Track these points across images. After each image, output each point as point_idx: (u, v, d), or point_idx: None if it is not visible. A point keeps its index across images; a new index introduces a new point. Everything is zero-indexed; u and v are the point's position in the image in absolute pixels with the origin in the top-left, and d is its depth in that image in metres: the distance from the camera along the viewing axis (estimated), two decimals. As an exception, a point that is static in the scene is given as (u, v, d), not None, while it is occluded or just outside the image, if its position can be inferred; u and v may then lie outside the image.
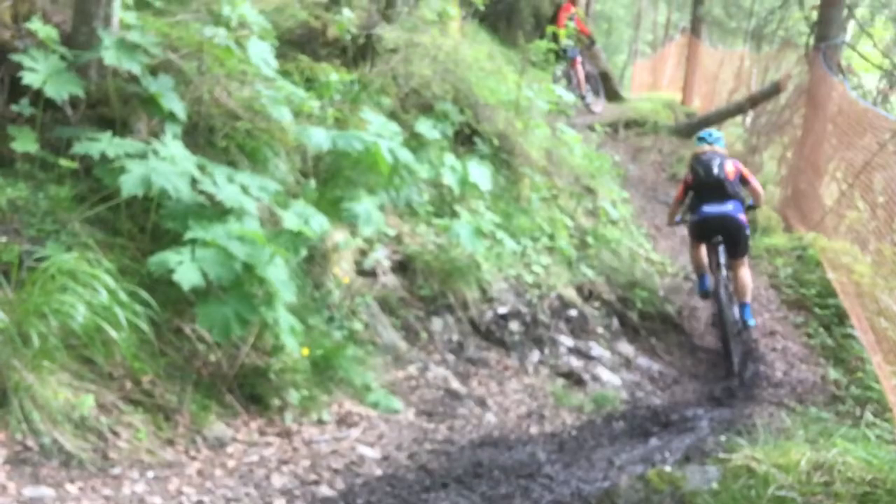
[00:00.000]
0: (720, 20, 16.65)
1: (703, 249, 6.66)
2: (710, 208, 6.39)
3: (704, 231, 6.53)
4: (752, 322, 6.34)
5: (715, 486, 3.02)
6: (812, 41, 10.00)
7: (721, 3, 16.27)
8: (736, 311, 6.30)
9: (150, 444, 3.05)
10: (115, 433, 2.99)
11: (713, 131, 7.37)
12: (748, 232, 6.49)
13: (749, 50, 14.37)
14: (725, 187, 6.37)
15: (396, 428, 4.01)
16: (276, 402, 3.68)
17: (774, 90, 10.59)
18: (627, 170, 9.80)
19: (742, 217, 6.43)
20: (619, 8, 26.71)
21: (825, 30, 9.67)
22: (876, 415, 5.25)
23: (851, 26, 12.61)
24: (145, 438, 3.05)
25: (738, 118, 12.53)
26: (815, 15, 10.32)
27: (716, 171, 6.40)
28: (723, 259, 6.46)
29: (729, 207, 6.36)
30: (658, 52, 22.25)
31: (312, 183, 4.72)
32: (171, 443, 3.15)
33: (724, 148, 6.80)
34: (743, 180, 6.56)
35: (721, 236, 6.44)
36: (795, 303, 7.64)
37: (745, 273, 6.45)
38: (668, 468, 3.29)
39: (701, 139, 6.95)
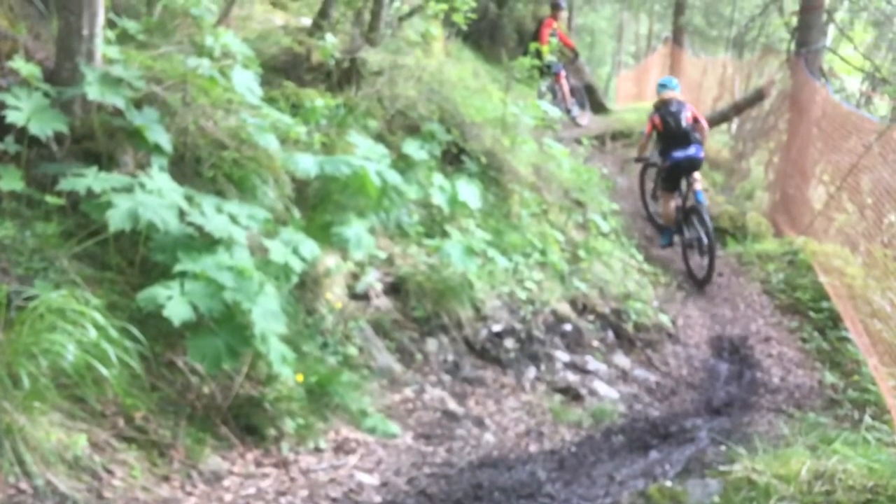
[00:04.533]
0: (701, 29, 16.79)
1: (673, 203, 8.17)
2: (680, 153, 7.96)
3: (677, 172, 8.07)
4: (701, 198, 8.05)
5: (716, 499, 3.01)
6: (793, 47, 10.10)
7: (702, 12, 16.42)
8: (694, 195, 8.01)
9: (145, 482, 3.01)
10: (110, 472, 2.95)
11: (672, 78, 8.99)
12: None
13: (731, 57, 14.49)
14: (689, 134, 7.97)
15: (394, 453, 3.98)
16: (271, 431, 3.65)
17: (758, 96, 10.68)
18: (616, 181, 9.83)
19: (702, 154, 8.13)
20: (601, 21, 26.88)
21: (806, 35, 9.77)
22: (874, 417, 5.22)
23: (831, 31, 12.73)
24: (140, 476, 3.01)
25: (724, 125, 12.60)
26: (794, 21, 10.43)
27: (684, 123, 7.98)
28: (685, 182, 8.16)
29: (692, 151, 7.97)
30: (641, 63, 22.40)
31: (300, 211, 4.71)
32: (166, 479, 3.11)
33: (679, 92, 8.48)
34: (695, 120, 8.11)
35: (687, 173, 8.05)
36: (789, 308, 7.66)
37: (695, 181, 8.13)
38: (668, 483, 3.27)
39: (663, 86, 8.44)
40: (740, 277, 8.39)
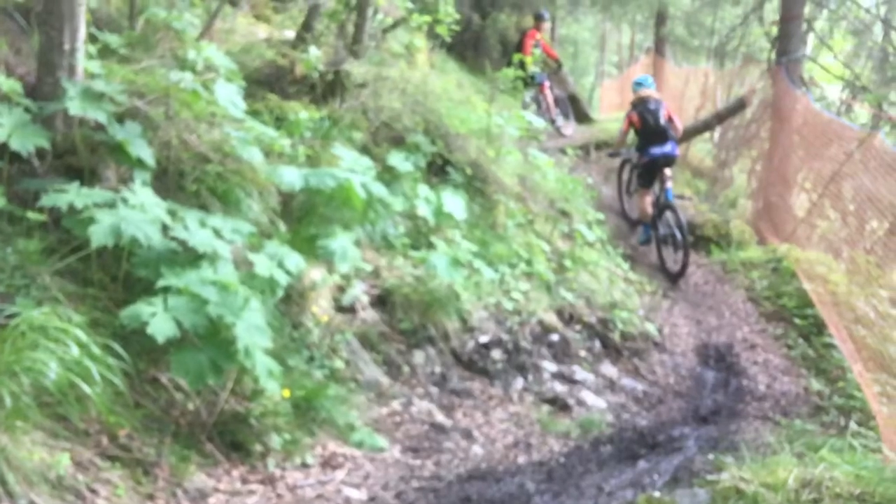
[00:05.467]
0: (683, 39, 16.91)
1: (649, 198, 8.42)
2: (657, 150, 8.23)
3: (653, 167, 8.31)
4: (671, 196, 8.34)
5: (705, 509, 3.00)
6: (774, 56, 10.20)
7: (683, 22, 16.54)
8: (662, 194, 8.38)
9: (129, 501, 2.97)
10: (93, 491, 2.91)
11: (648, 76, 9.34)
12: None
13: (713, 67, 14.60)
14: (667, 131, 8.25)
15: (382, 467, 3.95)
16: (257, 447, 3.61)
17: (740, 105, 10.76)
18: (601, 191, 9.86)
19: (677, 151, 8.47)
20: (583, 31, 27.04)
21: (786, 44, 9.88)
22: (860, 423, 5.26)
23: (811, 40, 12.86)
24: (124, 494, 2.97)
25: (707, 134, 12.68)
26: (775, 30, 10.53)
27: (662, 121, 8.24)
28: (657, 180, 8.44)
29: (669, 148, 8.27)
30: (624, 73, 22.53)
31: (284, 224, 4.70)
32: (150, 497, 3.07)
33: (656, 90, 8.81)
34: (669, 119, 8.36)
35: (662, 169, 8.32)
36: (774, 315, 7.70)
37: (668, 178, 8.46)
38: (657, 493, 3.27)
39: (639, 84, 8.69)
40: (725, 285, 8.44)
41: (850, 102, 11.90)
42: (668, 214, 8.19)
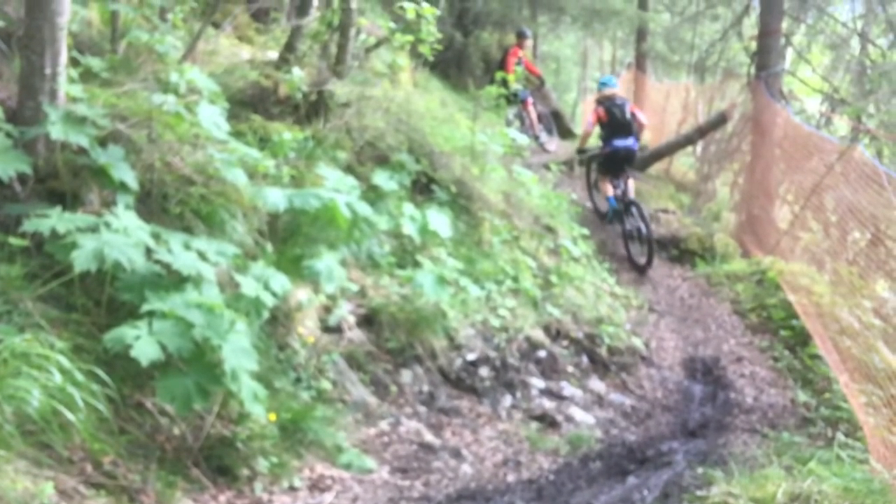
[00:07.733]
0: (663, 54, 17.05)
1: (610, 183, 9.06)
2: (620, 142, 8.90)
3: (615, 158, 8.93)
4: (633, 197, 8.92)
5: (695, 525, 3.00)
6: (753, 70, 10.32)
7: (663, 38, 16.69)
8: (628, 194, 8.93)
9: (114, 528, 2.93)
10: (78, 519, 2.87)
11: (612, 77, 10.27)
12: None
13: (693, 82, 14.75)
14: (631, 125, 8.91)
15: (371, 488, 3.92)
16: (244, 471, 3.58)
17: (721, 120, 10.87)
18: (585, 206, 9.90)
19: (637, 147, 9.19)
20: (565, 48, 27.23)
21: (765, 59, 10.01)
22: (847, 434, 5.28)
23: (790, 54, 13.03)
24: (110, 522, 2.94)
25: (689, 148, 12.79)
26: (754, 45, 10.67)
27: (627, 115, 8.92)
28: (620, 176, 9.02)
29: (631, 142, 8.94)
30: (607, 88, 22.63)
31: (270, 245, 4.68)
32: (137, 525, 3.04)
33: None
34: (633, 116, 9.00)
35: (623, 162, 8.96)
36: (759, 327, 7.74)
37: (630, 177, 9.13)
38: (647, 510, 3.26)
39: (604, 84, 9.46)
40: (710, 298, 8.47)
41: (829, 115, 12.04)
42: (633, 210, 8.66)
